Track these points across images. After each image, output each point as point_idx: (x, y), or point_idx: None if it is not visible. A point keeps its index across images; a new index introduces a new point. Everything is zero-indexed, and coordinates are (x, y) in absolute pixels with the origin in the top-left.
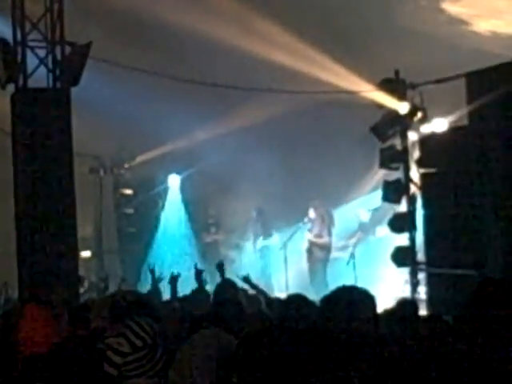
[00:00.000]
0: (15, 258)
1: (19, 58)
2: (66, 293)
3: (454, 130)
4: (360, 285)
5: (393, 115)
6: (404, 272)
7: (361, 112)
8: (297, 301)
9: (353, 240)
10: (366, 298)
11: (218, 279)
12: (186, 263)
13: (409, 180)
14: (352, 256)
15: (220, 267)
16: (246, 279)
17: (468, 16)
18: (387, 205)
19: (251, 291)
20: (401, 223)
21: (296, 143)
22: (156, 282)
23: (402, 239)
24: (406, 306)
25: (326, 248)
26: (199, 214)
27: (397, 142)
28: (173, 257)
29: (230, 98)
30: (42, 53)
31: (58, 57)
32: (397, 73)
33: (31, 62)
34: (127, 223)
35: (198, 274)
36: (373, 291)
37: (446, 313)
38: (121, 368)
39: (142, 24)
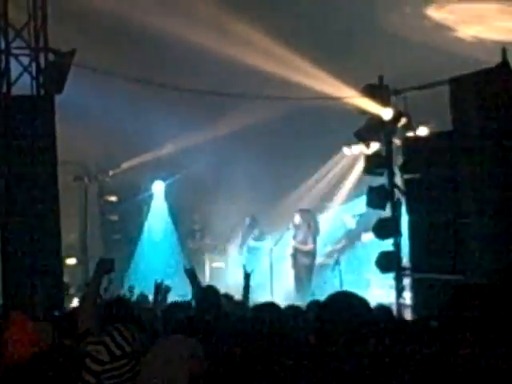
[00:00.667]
0: None
1: (3, 65)
2: (50, 300)
3: (437, 135)
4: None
5: (377, 121)
6: (390, 277)
7: (345, 117)
8: (267, 308)
9: (338, 246)
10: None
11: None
12: (170, 269)
13: (393, 186)
14: (337, 262)
15: (190, 274)
16: (247, 275)
17: (452, 22)
18: (372, 210)
19: (238, 297)
20: (385, 229)
21: (281, 149)
22: (157, 295)
23: (388, 245)
24: (382, 312)
25: (311, 254)
26: (184, 220)
27: (381, 148)
28: (157, 263)
29: (215, 105)
30: (25, 60)
31: (42, 64)
32: (381, 78)
33: (15, 69)
34: (112, 230)
35: (191, 273)
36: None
37: (430, 318)
38: (99, 376)
39: (126, 31)
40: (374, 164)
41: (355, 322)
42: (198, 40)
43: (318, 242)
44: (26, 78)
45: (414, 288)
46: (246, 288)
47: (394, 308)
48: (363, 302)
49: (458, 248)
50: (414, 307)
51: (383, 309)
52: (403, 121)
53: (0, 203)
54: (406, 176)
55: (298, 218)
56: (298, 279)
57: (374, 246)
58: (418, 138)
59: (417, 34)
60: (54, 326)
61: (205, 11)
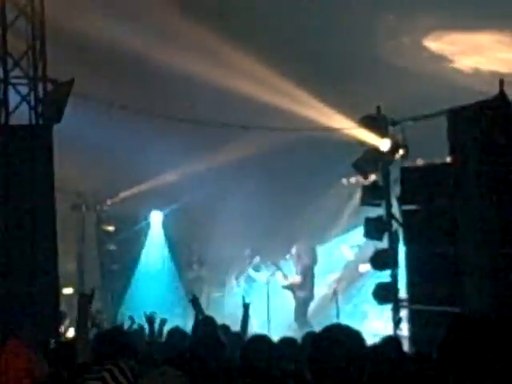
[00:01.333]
0: None
1: (1, 95)
2: (46, 329)
3: (435, 166)
4: (343, 321)
5: (375, 152)
6: (387, 309)
7: (344, 148)
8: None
9: (336, 277)
10: (353, 336)
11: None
12: (168, 300)
13: (391, 217)
14: (335, 292)
15: (194, 302)
16: (246, 306)
17: (450, 53)
18: (370, 241)
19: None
20: (383, 260)
21: (279, 179)
22: (152, 326)
23: (385, 275)
24: (391, 344)
25: (301, 286)
26: (182, 250)
27: (379, 179)
28: (154, 294)
29: (213, 134)
30: (24, 90)
31: (41, 94)
32: (378, 109)
33: (13, 99)
34: (110, 260)
35: (195, 302)
36: (355, 328)
37: (428, 350)
38: None
39: (124, 62)
40: (371, 195)
41: (346, 357)
42: (196, 70)
43: (316, 273)
44: (25, 107)
45: (412, 319)
46: (245, 319)
47: None
48: (355, 337)
49: (455, 280)
50: (412, 339)
51: (392, 340)
52: (401, 152)
53: None
54: (404, 207)
55: (294, 250)
56: (295, 310)
57: (371, 276)
58: (415, 169)
59: (415, 64)
60: (49, 356)
61: (204, 42)
